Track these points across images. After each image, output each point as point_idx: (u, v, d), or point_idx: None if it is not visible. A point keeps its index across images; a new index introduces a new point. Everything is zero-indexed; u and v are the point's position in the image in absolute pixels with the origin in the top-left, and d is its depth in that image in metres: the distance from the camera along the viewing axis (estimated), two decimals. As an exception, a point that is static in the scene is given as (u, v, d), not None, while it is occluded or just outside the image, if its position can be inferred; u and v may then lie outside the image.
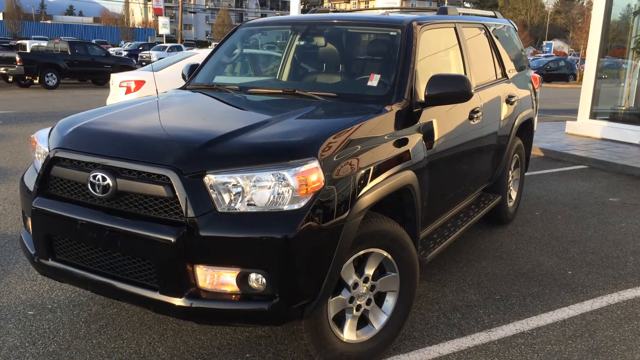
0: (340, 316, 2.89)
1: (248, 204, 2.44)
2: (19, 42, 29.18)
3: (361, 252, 2.85)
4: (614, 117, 10.27)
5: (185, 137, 2.64)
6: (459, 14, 4.58)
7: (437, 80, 3.34)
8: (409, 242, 3.08)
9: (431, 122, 3.48)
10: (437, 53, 4.01)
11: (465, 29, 4.39)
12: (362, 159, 2.75)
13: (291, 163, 2.46)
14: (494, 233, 5.13)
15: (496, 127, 4.66)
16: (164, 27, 50.17)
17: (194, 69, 4.21)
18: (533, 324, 3.47)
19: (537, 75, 6.01)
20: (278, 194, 2.44)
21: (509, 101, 4.88)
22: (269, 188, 2.45)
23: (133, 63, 23.60)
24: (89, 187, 2.58)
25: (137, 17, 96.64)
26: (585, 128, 10.11)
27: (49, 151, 2.83)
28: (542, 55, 51.81)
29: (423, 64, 3.69)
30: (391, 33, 3.69)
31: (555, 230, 5.24)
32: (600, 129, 9.88)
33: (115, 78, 9.49)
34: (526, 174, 7.25)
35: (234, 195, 2.44)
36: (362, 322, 2.99)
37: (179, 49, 33.76)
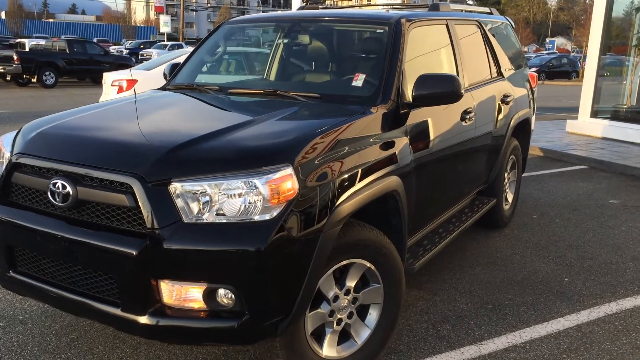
0: (319, 330, 2.73)
1: (217, 214, 2.28)
2: (18, 40, 29.06)
3: (342, 263, 2.69)
4: (615, 116, 10.07)
5: (150, 142, 2.47)
6: (452, 10, 4.40)
7: (425, 80, 3.18)
8: (394, 252, 2.92)
9: (419, 124, 3.31)
10: (427, 51, 3.84)
11: (458, 26, 4.21)
12: (342, 165, 2.59)
13: (263, 170, 2.30)
14: (489, 237, 4.97)
15: (490, 128, 4.48)
16: (165, 25, 50.10)
17: (175, 68, 4.05)
18: (526, 337, 3.30)
19: (535, 74, 5.82)
20: (249, 203, 2.28)
21: (504, 101, 4.71)
22: (240, 197, 2.29)
23: (132, 61, 23.45)
24: (49, 195, 2.42)
25: (139, 15, 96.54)
26: (586, 127, 9.92)
27: (11, 156, 2.68)
28: (545, 52, 51.51)
29: (411, 63, 3.52)
30: (378, 30, 3.52)
31: (552, 234, 5.07)
32: (601, 127, 9.69)
33: (108, 77, 9.34)
34: (525, 174, 7.09)
35: (201, 204, 2.28)
36: (344, 336, 2.83)
37: (180, 47, 33.59)
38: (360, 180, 2.67)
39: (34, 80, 20.49)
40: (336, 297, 2.72)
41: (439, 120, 3.55)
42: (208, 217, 2.27)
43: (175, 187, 2.27)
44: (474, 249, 4.67)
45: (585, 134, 9.83)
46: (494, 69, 4.78)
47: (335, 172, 2.53)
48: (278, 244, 2.27)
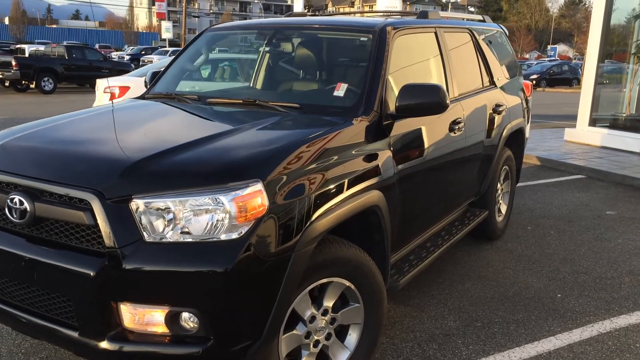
0: (295, 353, 2.61)
1: (182, 232, 2.16)
2: (17, 46, 29.04)
3: (318, 282, 2.56)
4: (614, 124, 9.94)
5: (112, 156, 2.36)
6: (442, 18, 4.29)
7: (409, 90, 3.06)
8: (374, 270, 2.79)
9: (404, 136, 3.20)
10: (414, 60, 3.72)
11: (448, 34, 4.10)
12: (317, 179, 2.47)
13: (230, 186, 2.18)
14: (481, 250, 4.83)
15: (481, 138, 4.36)
16: (166, 31, 50.11)
17: (156, 76, 3.94)
18: (515, 357, 3.17)
19: (529, 82, 5.70)
20: (215, 221, 2.16)
21: (496, 110, 4.59)
22: (205, 214, 2.17)
23: (131, 67, 23.39)
24: (7, 211, 2.30)
25: (141, 22, 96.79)
26: (585, 135, 9.79)
27: (-27, 169, 2.56)
28: (547, 59, 51.46)
29: (397, 72, 3.40)
30: (362, 38, 3.41)
31: (547, 247, 4.93)
32: (599, 136, 9.55)
33: (100, 83, 9.25)
34: (521, 184, 6.96)
35: (164, 222, 2.16)
36: (321, 359, 2.70)
37: (180, 53, 33.46)
38: (338, 195, 2.55)
39: (33, 86, 20.44)
40: (313, 318, 2.59)
41: (426, 132, 3.43)
42: (171, 235, 2.15)
43: (137, 203, 2.15)
44: (465, 262, 4.54)
45: (583, 143, 9.70)
46: (485, 78, 4.66)
47: (310, 187, 2.41)
48: (245, 264, 2.14)
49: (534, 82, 32.19)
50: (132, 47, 52.92)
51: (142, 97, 3.69)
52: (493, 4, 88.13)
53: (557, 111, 17.72)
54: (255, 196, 2.19)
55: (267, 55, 3.67)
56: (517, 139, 5.24)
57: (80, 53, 22.34)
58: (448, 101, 3.09)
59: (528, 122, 5.64)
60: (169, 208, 2.15)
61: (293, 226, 2.30)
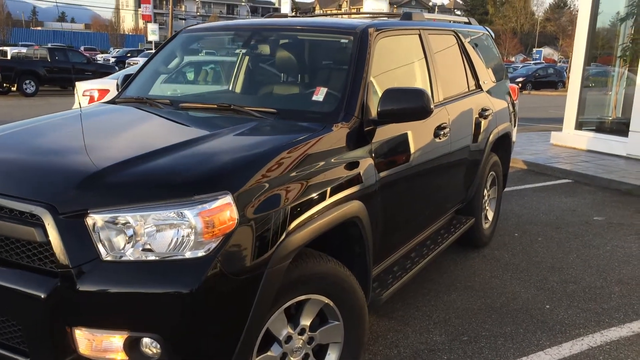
0: (271, 375, 2.44)
1: (143, 250, 1.99)
2: (0, 48, 28.58)
3: (294, 300, 2.40)
4: (600, 128, 9.89)
5: (68, 166, 2.18)
6: (427, 20, 4.16)
7: (391, 95, 2.92)
8: (355, 285, 2.64)
9: (386, 142, 3.05)
10: (397, 63, 3.58)
11: (432, 36, 3.96)
12: (293, 190, 2.31)
13: (196, 199, 2.01)
14: (467, 258, 4.70)
15: (467, 144, 4.23)
16: (152, 33, 49.67)
17: (127, 79, 3.76)
18: (503, 374, 3.03)
19: (516, 86, 5.59)
20: (179, 237, 2.00)
21: (482, 115, 4.46)
22: (169, 230, 2.00)
23: (115, 70, 23.07)
24: (-47, 226, 2.12)
25: (128, 24, 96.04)
26: (571, 139, 9.72)
27: None
28: (532, 62, 51.73)
29: (379, 76, 3.26)
30: (342, 40, 3.26)
31: (534, 255, 4.81)
32: (586, 140, 9.49)
33: (80, 87, 9.02)
34: (507, 189, 6.84)
35: (123, 239, 1.99)
36: (298, 381, 2.54)
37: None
38: (315, 207, 2.40)
39: (14, 88, 20.06)
40: (289, 338, 2.43)
41: (409, 138, 3.29)
42: (132, 253, 1.98)
43: (93, 219, 1.97)
44: (451, 272, 4.39)
45: (570, 146, 9.63)
46: (471, 82, 4.53)
47: (285, 199, 2.25)
48: (212, 284, 1.98)
49: (520, 85, 32.33)
50: (117, 50, 52.48)
51: (112, 101, 3.52)
52: (479, 7, 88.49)
53: (543, 114, 17.72)
54: (223, 210, 2.03)
55: (244, 57, 3.51)
56: (503, 144, 5.12)
57: (63, 55, 21.97)
58: (432, 106, 2.96)
59: (515, 126, 5.53)
60: (129, 223, 1.98)
61: (266, 241, 2.14)
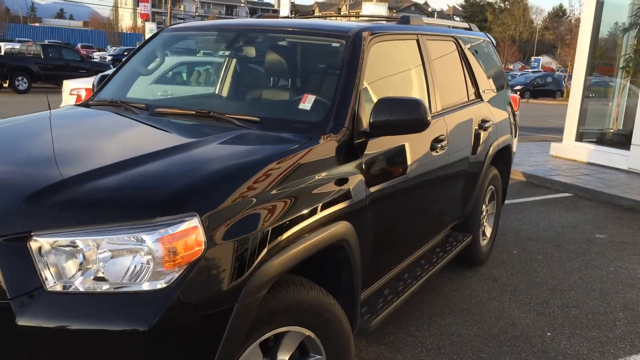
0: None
1: (94, 279, 1.73)
2: (-7, 44, 28.24)
3: (271, 333, 2.14)
4: (601, 140, 9.67)
5: (12, 181, 1.92)
6: (425, 24, 3.91)
7: (385, 105, 2.67)
8: (340, 315, 2.38)
9: (379, 157, 2.80)
10: (392, 70, 3.33)
11: (431, 42, 3.72)
12: (271, 211, 2.05)
13: (157, 222, 1.76)
14: (464, 277, 4.44)
15: (466, 157, 3.98)
16: (150, 32, 49.44)
17: (104, 80, 3.50)
18: (500, 412, 2.77)
19: (517, 96, 5.36)
20: (137, 266, 1.74)
21: (482, 126, 4.21)
22: (125, 257, 1.74)
23: (110, 68, 22.78)
24: None
25: (126, 22, 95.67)
26: (571, 151, 9.49)
27: None
28: (530, 70, 51.68)
29: (373, 83, 3.02)
30: (333, 44, 3.01)
31: (534, 275, 4.56)
32: (586, 152, 9.26)
33: (67, 85, 8.75)
34: (506, 202, 6.60)
35: (72, 266, 1.73)
36: (275, 422, 2.27)
37: (162, 55, 32.84)
38: (296, 229, 2.14)
39: (6, 85, 19.74)
40: (265, 374, 2.17)
41: (404, 151, 3.04)
42: (82, 283, 1.72)
43: (38, 242, 1.71)
44: (446, 292, 4.14)
45: (570, 158, 9.40)
46: (471, 91, 4.29)
47: (262, 222, 2.00)
48: (173, 320, 1.72)
49: (518, 93, 32.21)
50: (114, 48, 52.12)
51: (85, 104, 3.25)
52: (478, 14, 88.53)
53: (541, 123, 17.51)
54: (189, 234, 1.77)
55: (227, 60, 3.25)
56: (504, 156, 4.88)
57: (57, 52, 21.65)
58: (429, 118, 2.71)
59: (515, 138, 5.29)
60: (79, 248, 1.72)
61: (239, 270, 1.88)
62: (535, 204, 6.89)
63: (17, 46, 23.82)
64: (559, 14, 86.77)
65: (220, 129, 2.59)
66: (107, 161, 2.04)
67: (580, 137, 9.54)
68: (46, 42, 27.52)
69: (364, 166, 2.65)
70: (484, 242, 4.72)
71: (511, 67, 68.44)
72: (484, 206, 4.62)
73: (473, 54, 4.48)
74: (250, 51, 3.23)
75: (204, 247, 1.79)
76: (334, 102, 2.70)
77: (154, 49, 3.53)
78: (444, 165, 3.55)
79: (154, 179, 1.96)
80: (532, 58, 72.92)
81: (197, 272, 1.77)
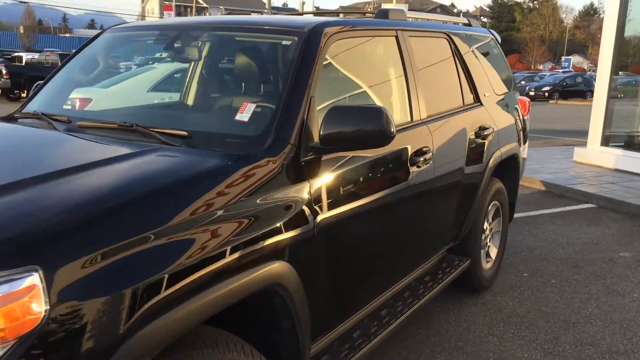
0: None
1: None
2: (15, 54, 28.51)
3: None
4: (629, 144, 8.93)
5: None
6: (410, 19, 3.41)
7: (338, 114, 2.19)
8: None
9: (334, 177, 2.30)
10: (361, 73, 2.84)
11: (416, 39, 3.22)
12: (165, 253, 1.60)
13: (-21, 281, 1.30)
14: (462, 306, 3.91)
15: (458, 170, 3.46)
16: (175, 40, 49.93)
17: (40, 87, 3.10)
18: None
19: (526, 99, 4.79)
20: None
21: (480, 135, 3.68)
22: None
23: (128, 77, 22.69)
24: None
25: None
26: (596, 156, 8.80)
27: None
28: (560, 70, 50.39)
29: (334, 89, 2.54)
30: (284, 42, 2.53)
31: (545, 303, 3.99)
32: (613, 158, 8.55)
33: (63, 95, 8.45)
34: (520, 215, 6.06)
35: None
36: None
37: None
38: (199, 276, 1.67)
39: (24, 94, 19.80)
40: None
41: (370, 169, 2.55)
42: None
43: None
44: (440, 326, 3.61)
45: (594, 165, 8.71)
46: (468, 95, 3.77)
47: (148, 269, 1.54)
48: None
49: (547, 94, 31.17)
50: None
51: (9, 117, 2.85)
52: (506, 15, 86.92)
53: (569, 126, 16.69)
54: (21, 297, 1.31)
55: (166, 63, 2.81)
56: (509, 167, 4.33)
57: (75, 61, 21.63)
58: (393, 129, 2.21)
59: (525, 144, 4.72)
60: None
61: (100, 340, 1.41)
62: (553, 216, 6.27)
63: (36, 56, 23.96)
64: (589, 12, 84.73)
65: (135, 146, 2.14)
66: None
67: (606, 141, 8.83)
68: (51, 51, 27.57)
69: (311, 190, 2.16)
70: (487, 265, 4.17)
71: (541, 67, 66.94)
72: (486, 224, 4.08)
73: (471, 53, 3.95)
74: (192, 52, 2.77)
75: (44, 314, 1.33)
76: (276, 111, 2.23)
77: (94, 52, 3.10)
78: (428, 182, 3.03)
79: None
80: (563, 58, 71.24)
81: (35, 348, 1.32)
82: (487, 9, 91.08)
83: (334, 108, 2.21)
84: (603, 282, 4.40)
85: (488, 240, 4.19)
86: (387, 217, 2.72)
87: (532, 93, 31.39)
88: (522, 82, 34.49)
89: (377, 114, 2.18)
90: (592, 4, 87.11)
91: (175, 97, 2.84)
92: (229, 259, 1.77)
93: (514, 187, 4.52)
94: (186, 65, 2.84)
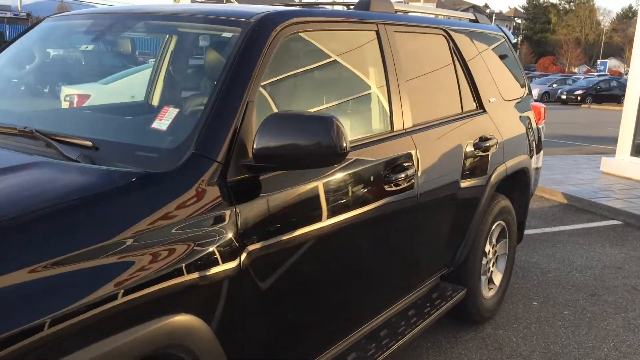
0: None
1: None
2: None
3: None
4: (663, 154, 8.26)
5: None
6: (397, 11, 2.94)
7: (276, 124, 1.76)
8: None
9: (275, 201, 1.87)
10: (326, 75, 2.39)
11: (402, 34, 2.77)
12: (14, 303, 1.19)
13: None
14: (457, 341, 3.42)
15: (452, 186, 2.99)
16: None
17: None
18: None
19: (542, 106, 4.27)
20: None
21: (480, 146, 3.19)
22: None
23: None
24: None
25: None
26: (625, 167, 8.14)
27: None
28: (595, 74, 48.95)
29: (284, 96, 2.10)
30: (224, 34, 2.10)
31: (554, 341, 3.47)
32: (644, 169, 7.90)
33: (64, 90, 8.19)
34: (535, 231, 5.55)
35: None
36: None
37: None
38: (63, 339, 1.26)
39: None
40: None
41: (329, 189, 2.10)
42: None
43: None
44: (428, 364, 3.14)
45: (623, 176, 8.05)
46: (469, 101, 3.28)
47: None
48: None
49: (579, 97, 30.13)
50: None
51: None
52: (541, 16, 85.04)
53: (600, 132, 15.89)
54: None
55: (93, 58, 2.40)
56: (518, 182, 3.82)
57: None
58: (345, 144, 1.76)
59: (539, 154, 4.19)
60: None
61: None
62: (573, 234, 5.70)
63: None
64: (628, 15, 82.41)
65: (22, 158, 1.74)
66: None
67: (636, 150, 8.16)
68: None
69: (238, 219, 1.73)
70: (489, 293, 3.67)
71: (575, 70, 65.20)
72: (488, 247, 3.58)
73: (476, 52, 3.46)
74: (125, 45, 2.35)
75: None
76: (201, 119, 1.80)
77: (28, 44, 2.71)
78: (408, 201, 2.56)
79: None
80: (599, 61, 69.36)
81: None
82: (522, 10, 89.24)
83: (272, 116, 1.78)
84: (623, 316, 3.85)
85: (491, 265, 3.69)
86: (349, 246, 2.27)
87: (564, 96, 30.42)
88: (554, 85, 33.49)
89: (325, 125, 1.74)
90: (630, 7, 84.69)
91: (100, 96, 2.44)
92: (97, 310, 1.34)
93: (524, 204, 4.00)
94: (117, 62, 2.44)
